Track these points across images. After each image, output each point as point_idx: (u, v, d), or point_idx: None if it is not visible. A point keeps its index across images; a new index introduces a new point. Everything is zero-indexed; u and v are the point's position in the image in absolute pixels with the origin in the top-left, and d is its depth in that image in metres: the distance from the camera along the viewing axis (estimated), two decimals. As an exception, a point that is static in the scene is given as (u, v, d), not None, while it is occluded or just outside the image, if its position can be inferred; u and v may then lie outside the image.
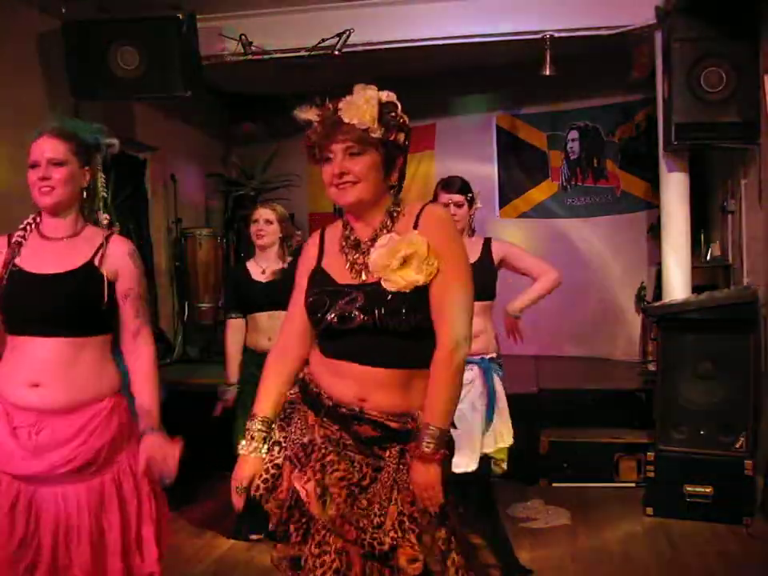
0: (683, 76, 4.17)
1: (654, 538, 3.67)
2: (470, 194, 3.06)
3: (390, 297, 1.69)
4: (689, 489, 3.83)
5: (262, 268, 3.55)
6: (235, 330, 3.58)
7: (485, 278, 2.90)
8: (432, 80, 6.03)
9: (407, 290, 1.68)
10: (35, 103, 4.55)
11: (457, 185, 3.05)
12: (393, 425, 1.73)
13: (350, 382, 1.74)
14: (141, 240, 5.65)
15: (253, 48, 4.81)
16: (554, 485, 4.42)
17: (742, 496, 3.76)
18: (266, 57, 4.87)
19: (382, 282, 1.69)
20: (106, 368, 2.09)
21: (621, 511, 4.03)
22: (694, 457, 3.89)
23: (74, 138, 2.05)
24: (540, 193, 6.78)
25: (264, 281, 3.52)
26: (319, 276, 1.80)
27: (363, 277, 1.73)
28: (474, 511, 3.06)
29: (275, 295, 3.25)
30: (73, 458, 1.96)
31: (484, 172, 6.70)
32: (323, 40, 4.70)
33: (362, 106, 1.67)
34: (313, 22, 4.82)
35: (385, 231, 1.74)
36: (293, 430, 1.81)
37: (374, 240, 1.74)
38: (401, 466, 1.71)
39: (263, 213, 3.59)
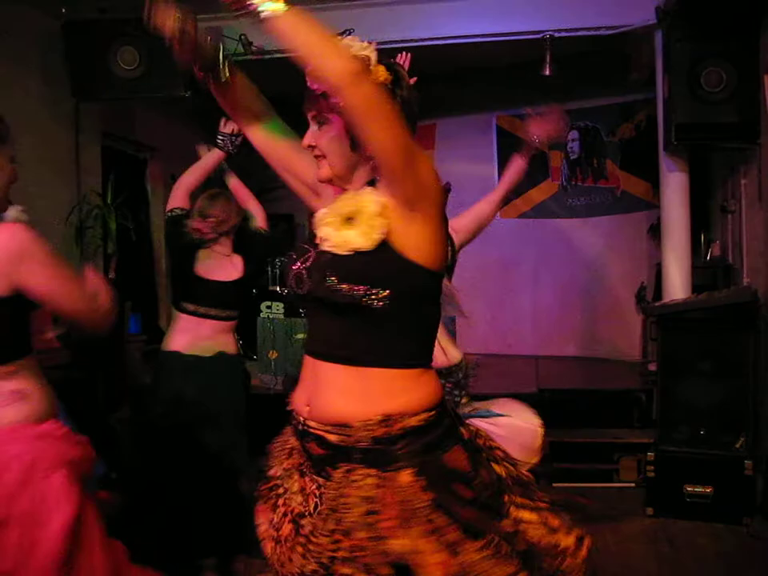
0: (683, 76, 4.17)
1: (654, 538, 3.67)
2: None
3: (325, 260, 1.41)
4: (689, 489, 3.83)
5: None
6: None
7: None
8: (432, 80, 6.02)
9: (345, 254, 1.38)
10: (35, 103, 4.56)
11: None
12: (330, 437, 1.41)
13: (304, 383, 1.50)
14: (141, 240, 5.65)
15: (253, 48, 4.81)
16: (554, 485, 4.42)
17: (741, 496, 3.75)
18: (266, 57, 4.87)
19: (323, 244, 1.43)
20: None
21: (621, 511, 4.02)
22: (694, 457, 3.89)
23: None
24: (540, 193, 6.79)
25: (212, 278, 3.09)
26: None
27: None
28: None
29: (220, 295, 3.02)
30: None
31: (484, 172, 6.71)
32: (323, 40, 4.69)
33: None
34: (313, 22, 4.82)
35: None
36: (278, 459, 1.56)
37: None
38: (340, 495, 1.38)
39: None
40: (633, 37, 4.68)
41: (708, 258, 5.17)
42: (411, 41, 4.83)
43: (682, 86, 4.18)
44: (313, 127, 1.49)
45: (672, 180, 4.63)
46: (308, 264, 1.44)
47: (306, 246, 1.49)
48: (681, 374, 4.03)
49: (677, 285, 4.59)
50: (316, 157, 1.48)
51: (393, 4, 4.76)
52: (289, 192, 1.79)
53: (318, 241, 1.45)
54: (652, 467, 3.96)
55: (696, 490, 3.82)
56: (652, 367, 5.14)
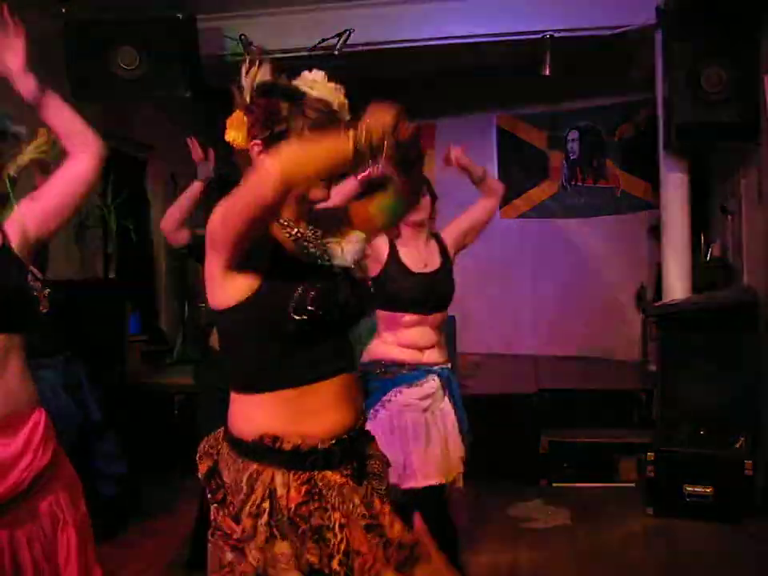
0: (683, 76, 4.17)
1: (654, 538, 3.67)
2: (431, 188, 2.79)
3: (366, 285, 1.68)
4: (689, 489, 3.82)
5: None
6: None
7: (445, 288, 2.69)
8: (432, 80, 6.03)
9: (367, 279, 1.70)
10: (35, 103, 4.55)
11: None
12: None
13: (339, 404, 1.59)
14: (141, 240, 5.65)
15: (253, 48, 4.81)
16: (554, 485, 4.42)
17: (741, 496, 3.76)
18: (266, 57, 4.87)
19: (354, 271, 1.64)
20: (27, 373, 1.71)
21: (621, 511, 4.02)
22: (694, 457, 3.89)
23: None
24: (540, 193, 6.79)
25: None
26: None
27: None
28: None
29: None
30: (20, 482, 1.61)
31: (484, 172, 6.70)
32: (323, 40, 4.70)
33: (344, 103, 1.54)
34: (313, 22, 4.82)
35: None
36: None
37: None
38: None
39: None
40: (633, 37, 4.68)
41: (708, 258, 5.17)
42: (412, 41, 4.84)
43: (682, 86, 4.18)
44: None
45: (672, 180, 4.63)
46: (350, 289, 1.54)
47: (333, 272, 1.55)
48: (681, 374, 4.03)
49: (677, 285, 4.58)
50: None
51: (393, 4, 4.76)
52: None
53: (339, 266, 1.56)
54: (652, 467, 3.96)
55: (696, 489, 3.82)
56: (652, 367, 5.15)
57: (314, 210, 1.60)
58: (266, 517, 1.41)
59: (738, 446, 3.83)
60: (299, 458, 1.45)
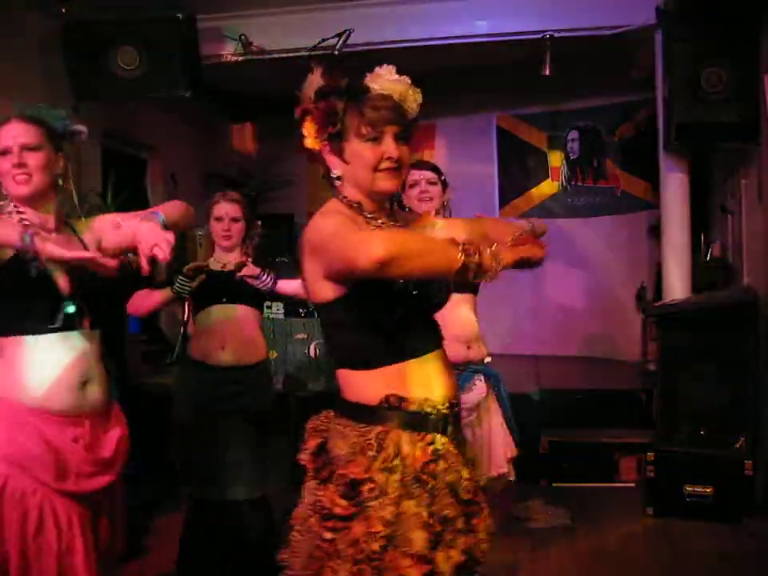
0: (683, 76, 4.17)
1: (654, 538, 3.67)
2: (443, 177, 2.80)
3: None
4: (689, 489, 3.83)
5: (221, 263, 2.96)
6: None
7: None
8: (432, 80, 6.00)
9: None
10: (35, 103, 4.55)
11: (428, 165, 2.86)
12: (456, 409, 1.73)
13: (439, 377, 1.67)
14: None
15: (253, 48, 4.81)
16: (554, 485, 4.42)
17: (741, 496, 3.76)
18: (266, 57, 4.87)
19: None
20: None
21: (621, 511, 4.03)
22: (694, 457, 3.89)
23: (44, 123, 1.89)
24: (540, 193, 6.79)
25: (225, 270, 2.92)
26: None
27: None
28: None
29: (230, 284, 2.85)
30: (115, 463, 1.84)
31: (484, 172, 6.72)
32: (323, 40, 4.70)
33: (412, 95, 1.65)
34: (313, 22, 4.82)
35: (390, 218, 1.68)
36: None
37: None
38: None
39: (229, 209, 2.95)
40: (633, 37, 4.68)
41: (708, 258, 5.17)
42: (411, 41, 4.84)
43: (682, 85, 4.18)
44: (392, 141, 1.58)
45: (672, 180, 4.63)
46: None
47: None
48: (681, 374, 4.03)
49: (677, 285, 4.58)
50: (390, 169, 1.57)
51: (393, 4, 4.76)
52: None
53: None
54: (652, 467, 3.97)
55: (696, 489, 3.82)
56: (652, 367, 5.15)
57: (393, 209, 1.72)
58: (398, 474, 1.48)
59: (738, 446, 3.83)
60: (422, 419, 1.53)
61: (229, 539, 2.83)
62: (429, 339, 1.61)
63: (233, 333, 2.86)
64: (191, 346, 2.97)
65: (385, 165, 1.56)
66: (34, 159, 1.81)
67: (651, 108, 5.14)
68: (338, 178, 1.60)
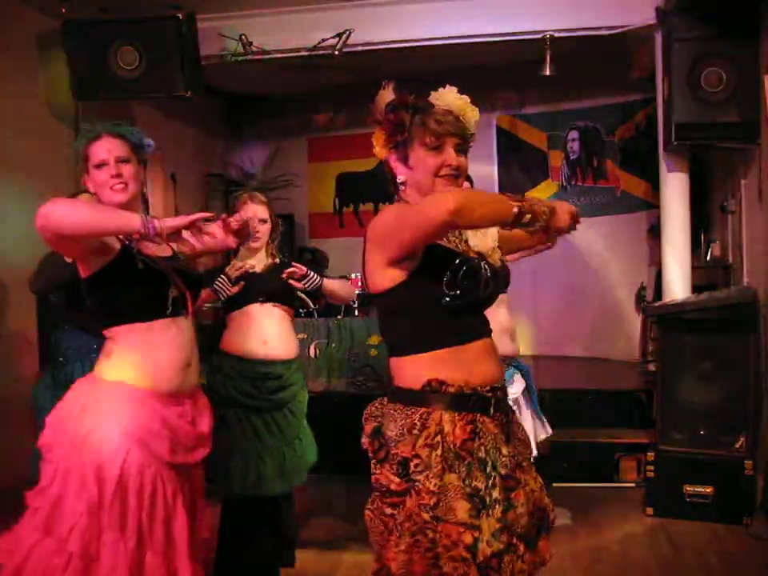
0: (683, 76, 4.17)
1: (654, 538, 3.67)
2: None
3: (505, 268, 1.90)
4: (689, 489, 3.83)
5: (251, 264, 3.01)
6: None
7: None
8: (432, 80, 6.02)
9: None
10: (35, 103, 4.56)
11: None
12: (501, 394, 1.82)
13: (486, 361, 1.79)
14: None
15: (253, 48, 4.81)
16: (554, 485, 4.42)
17: (741, 496, 3.76)
18: (265, 57, 4.87)
19: (493, 256, 1.83)
20: None
21: (621, 511, 4.03)
22: (694, 457, 3.90)
23: (128, 138, 2.11)
24: (540, 193, 6.78)
25: (259, 271, 3.01)
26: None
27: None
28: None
29: (269, 285, 2.95)
30: (210, 437, 2.10)
31: (484, 172, 6.70)
32: (323, 40, 4.70)
33: (470, 112, 1.92)
34: (313, 22, 4.82)
35: None
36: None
37: None
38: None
39: (257, 210, 2.98)
40: (633, 37, 4.68)
41: (708, 258, 5.17)
42: (411, 41, 4.84)
43: (682, 86, 4.18)
44: (453, 151, 1.82)
45: (672, 180, 4.63)
46: (490, 271, 1.74)
47: (474, 257, 1.76)
48: (681, 374, 4.02)
49: (677, 285, 4.58)
50: (450, 175, 1.78)
51: (393, 4, 4.76)
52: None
53: (477, 252, 1.78)
54: (652, 467, 3.97)
55: (696, 489, 3.82)
56: (652, 367, 5.15)
57: None
58: (440, 450, 1.61)
59: (738, 446, 3.83)
60: (462, 400, 1.66)
61: (266, 534, 2.92)
62: (477, 328, 1.75)
63: (273, 330, 2.97)
64: (228, 341, 3.03)
65: (445, 171, 1.76)
66: (127, 170, 2.05)
67: (651, 108, 5.14)
68: (402, 183, 1.76)
